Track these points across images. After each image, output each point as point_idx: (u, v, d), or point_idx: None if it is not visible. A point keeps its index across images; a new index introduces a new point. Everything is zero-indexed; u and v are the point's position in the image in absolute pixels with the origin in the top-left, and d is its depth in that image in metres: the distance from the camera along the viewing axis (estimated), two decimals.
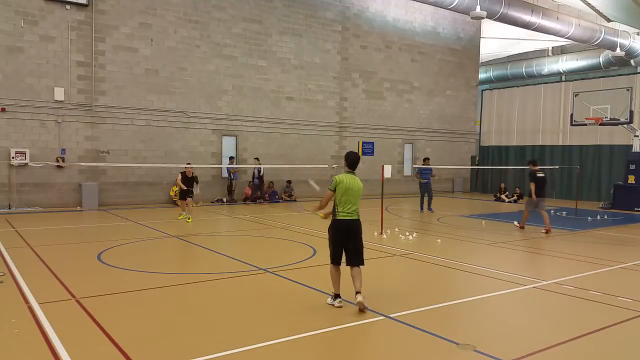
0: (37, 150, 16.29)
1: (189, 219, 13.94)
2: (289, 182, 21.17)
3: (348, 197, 6.12)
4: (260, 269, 8.22)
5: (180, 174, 14.40)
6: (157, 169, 18.08)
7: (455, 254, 9.74)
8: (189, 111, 19.05)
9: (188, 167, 14.48)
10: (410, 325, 5.54)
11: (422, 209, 17.47)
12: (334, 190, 6.15)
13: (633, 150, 20.14)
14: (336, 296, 6.21)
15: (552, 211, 18.36)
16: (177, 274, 7.95)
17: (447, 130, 27.19)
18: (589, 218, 16.37)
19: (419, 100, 25.88)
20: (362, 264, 6.26)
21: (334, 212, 6.22)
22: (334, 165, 22.14)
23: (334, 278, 6.23)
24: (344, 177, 6.18)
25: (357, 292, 6.02)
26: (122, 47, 17.62)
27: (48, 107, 16.46)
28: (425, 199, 17.54)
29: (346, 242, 6.18)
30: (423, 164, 17.91)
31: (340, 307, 6.09)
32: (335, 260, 6.20)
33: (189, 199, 14.18)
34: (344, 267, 6.22)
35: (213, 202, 19.18)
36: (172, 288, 7.01)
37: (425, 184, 17.48)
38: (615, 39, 22.83)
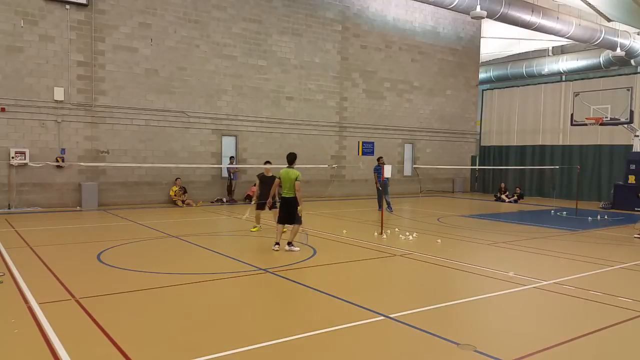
0: (36, 150, 16.28)
1: (255, 227, 12.40)
2: None
3: (284, 183, 9.34)
4: (260, 269, 8.21)
5: (258, 178, 12.35)
6: (156, 169, 18.07)
7: (455, 254, 9.73)
8: (188, 111, 19.05)
9: (267, 167, 12.41)
10: (410, 325, 5.53)
11: (385, 207, 15.57)
12: (280, 179, 9.55)
13: (633, 150, 20.15)
14: (277, 244, 9.47)
15: (552, 211, 18.39)
16: (177, 274, 7.93)
17: (447, 130, 27.18)
18: (590, 218, 16.36)
19: (419, 100, 25.87)
20: (293, 223, 9.65)
21: (279, 194, 9.57)
22: (334, 165, 22.17)
23: (279, 232, 9.58)
24: (281, 171, 9.44)
25: (289, 242, 9.52)
26: (122, 47, 17.61)
27: (48, 107, 16.45)
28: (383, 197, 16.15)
29: (286, 211, 9.44)
30: (378, 164, 16.85)
31: (277, 250, 9.38)
32: (280, 221, 9.58)
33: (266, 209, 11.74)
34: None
35: (213, 202, 19.18)
36: (172, 288, 7.00)
37: (384, 183, 16.14)
38: (616, 38, 22.82)
